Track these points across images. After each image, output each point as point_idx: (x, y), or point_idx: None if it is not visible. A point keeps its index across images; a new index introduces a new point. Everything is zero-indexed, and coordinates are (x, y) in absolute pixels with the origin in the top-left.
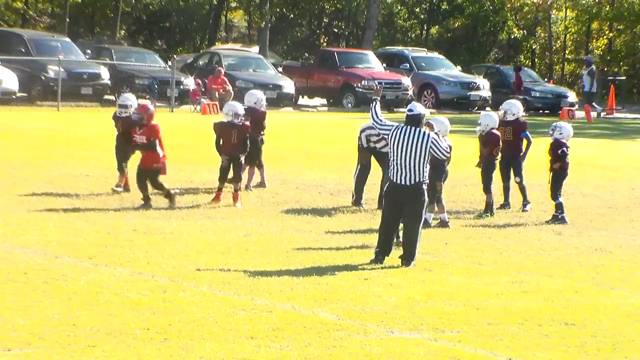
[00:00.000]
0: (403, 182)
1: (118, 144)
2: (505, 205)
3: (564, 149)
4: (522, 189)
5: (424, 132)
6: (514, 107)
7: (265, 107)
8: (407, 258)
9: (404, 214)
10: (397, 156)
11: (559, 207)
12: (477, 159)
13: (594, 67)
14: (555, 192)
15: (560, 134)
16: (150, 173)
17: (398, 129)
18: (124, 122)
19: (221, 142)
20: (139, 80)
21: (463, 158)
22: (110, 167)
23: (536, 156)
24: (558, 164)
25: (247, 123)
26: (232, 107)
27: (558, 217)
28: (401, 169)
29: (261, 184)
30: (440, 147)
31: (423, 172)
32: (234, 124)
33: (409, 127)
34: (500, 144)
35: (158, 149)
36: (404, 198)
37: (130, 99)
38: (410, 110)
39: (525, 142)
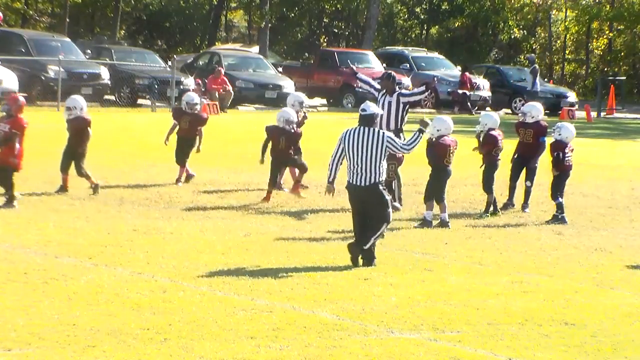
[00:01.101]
0: (359, 183)
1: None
2: (509, 205)
3: (560, 152)
4: (528, 193)
5: (379, 132)
6: (535, 110)
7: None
8: (368, 259)
9: (369, 214)
10: (351, 157)
11: (559, 207)
12: (479, 160)
13: (536, 65)
14: (556, 192)
15: (560, 134)
16: (4, 168)
17: (351, 130)
18: (73, 124)
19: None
20: (139, 80)
21: (463, 158)
22: (110, 167)
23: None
24: (554, 169)
25: (299, 131)
26: (284, 114)
27: (558, 217)
28: (357, 170)
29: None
30: (397, 143)
31: (379, 172)
32: (284, 130)
33: (362, 127)
34: (499, 144)
35: (17, 144)
36: (364, 199)
37: (78, 102)
38: (363, 110)
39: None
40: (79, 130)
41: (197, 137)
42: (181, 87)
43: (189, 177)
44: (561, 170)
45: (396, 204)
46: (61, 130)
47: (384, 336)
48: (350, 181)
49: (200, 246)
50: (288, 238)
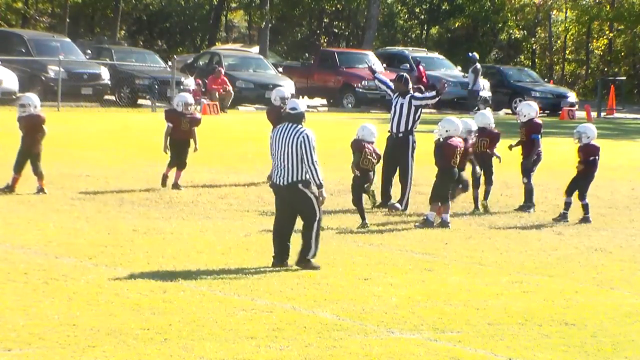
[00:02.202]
0: (278, 182)
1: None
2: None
3: (596, 156)
4: (528, 192)
5: (299, 129)
6: (526, 108)
7: None
8: (300, 255)
9: (295, 213)
10: (274, 155)
11: (586, 207)
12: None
13: (478, 64)
14: (584, 193)
15: (589, 137)
16: None
17: (278, 127)
18: (26, 121)
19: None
20: (139, 81)
21: None
22: (110, 167)
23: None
24: (581, 167)
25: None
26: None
27: (564, 214)
28: (278, 168)
29: None
30: (307, 146)
31: (300, 171)
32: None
33: (288, 124)
34: (457, 154)
35: None
36: (285, 199)
37: (32, 99)
38: (293, 108)
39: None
40: (32, 128)
41: (192, 138)
42: (181, 87)
43: (165, 180)
44: (591, 171)
45: (397, 204)
46: (61, 130)
47: (384, 336)
48: (273, 180)
49: (200, 246)
50: None
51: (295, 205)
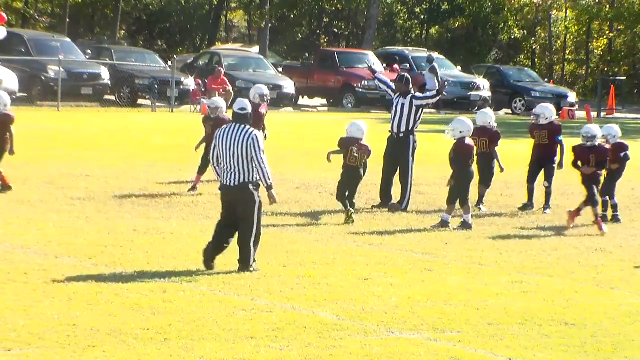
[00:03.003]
0: (228, 183)
1: None
2: (528, 206)
3: (627, 152)
4: (548, 194)
5: (247, 130)
6: (547, 111)
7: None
8: (242, 262)
9: (237, 216)
10: (223, 155)
11: (615, 207)
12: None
13: (436, 64)
14: (613, 192)
15: (614, 137)
16: None
17: (224, 128)
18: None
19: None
20: (139, 81)
21: None
22: (110, 167)
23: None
24: (616, 165)
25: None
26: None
27: (617, 217)
28: (227, 169)
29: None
30: (257, 147)
31: (250, 171)
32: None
33: (235, 125)
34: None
35: None
36: (232, 199)
37: (2, 97)
38: (242, 109)
39: (559, 147)
40: (1, 127)
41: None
42: (181, 87)
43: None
44: (622, 169)
45: (397, 204)
46: (61, 130)
47: (384, 336)
48: (222, 181)
49: (200, 246)
50: (288, 238)
51: (240, 206)
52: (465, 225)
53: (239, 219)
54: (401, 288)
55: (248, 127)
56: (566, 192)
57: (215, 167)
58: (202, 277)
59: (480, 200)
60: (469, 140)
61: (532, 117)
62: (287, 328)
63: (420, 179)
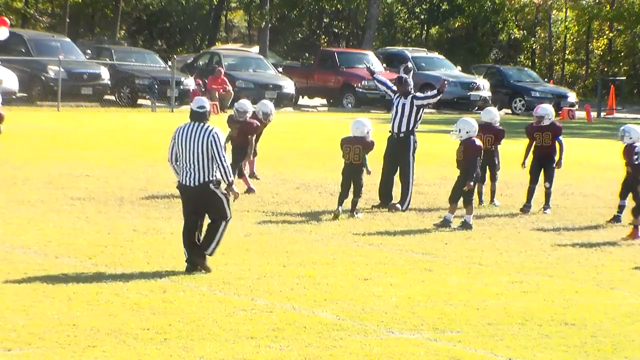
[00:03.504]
0: (188, 183)
1: None
2: (528, 207)
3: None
4: (548, 195)
5: (207, 128)
6: (549, 112)
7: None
8: (202, 246)
9: (206, 210)
10: (181, 155)
11: (621, 208)
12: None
13: (410, 64)
14: (626, 193)
15: (631, 138)
16: None
17: (182, 127)
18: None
19: None
20: (139, 81)
21: None
22: (110, 167)
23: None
24: (629, 167)
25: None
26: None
27: (617, 217)
28: (186, 169)
29: None
30: (219, 145)
31: (209, 170)
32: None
33: (193, 123)
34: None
35: None
36: (195, 199)
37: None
38: (201, 107)
39: (558, 146)
40: None
41: (249, 146)
42: (181, 87)
43: (249, 190)
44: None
45: (397, 204)
46: (61, 130)
47: (384, 336)
48: (180, 181)
49: None
50: (288, 238)
51: (205, 205)
52: (465, 226)
53: (208, 212)
54: (401, 288)
55: (207, 125)
56: (566, 192)
57: (173, 166)
58: (202, 277)
59: (493, 196)
60: (478, 141)
61: (535, 118)
62: (287, 328)
63: (420, 179)
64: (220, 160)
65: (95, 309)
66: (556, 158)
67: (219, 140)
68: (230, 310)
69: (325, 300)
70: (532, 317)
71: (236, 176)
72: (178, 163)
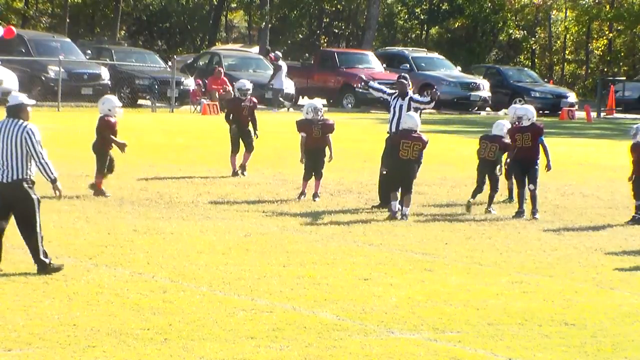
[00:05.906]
0: (0, 180)
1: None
2: (521, 213)
3: None
4: (534, 198)
5: (21, 124)
6: (529, 112)
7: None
8: (38, 263)
9: (16, 215)
10: None
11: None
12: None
13: (281, 62)
14: (638, 193)
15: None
16: None
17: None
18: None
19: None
20: (139, 81)
21: (463, 158)
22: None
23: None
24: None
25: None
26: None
27: (637, 219)
28: (1, 166)
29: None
30: (33, 142)
31: (23, 167)
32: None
33: (8, 119)
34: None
35: None
36: (7, 198)
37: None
38: (16, 103)
39: (542, 148)
40: None
41: (327, 146)
42: (181, 87)
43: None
44: None
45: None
46: (61, 130)
47: (384, 336)
48: None
49: (200, 246)
50: (288, 238)
51: (15, 204)
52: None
53: (18, 219)
54: (401, 288)
55: (22, 121)
56: (566, 192)
57: None
58: (202, 277)
59: (490, 203)
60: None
61: (514, 120)
62: (287, 328)
63: (420, 179)
64: (37, 157)
65: (95, 309)
66: (539, 161)
67: (34, 136)
68: (231, 310)
69: (325, 301)
70: (532, 317)
71: (250, 154)
72: None
